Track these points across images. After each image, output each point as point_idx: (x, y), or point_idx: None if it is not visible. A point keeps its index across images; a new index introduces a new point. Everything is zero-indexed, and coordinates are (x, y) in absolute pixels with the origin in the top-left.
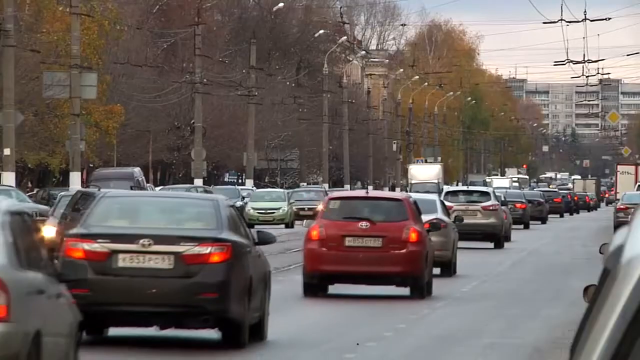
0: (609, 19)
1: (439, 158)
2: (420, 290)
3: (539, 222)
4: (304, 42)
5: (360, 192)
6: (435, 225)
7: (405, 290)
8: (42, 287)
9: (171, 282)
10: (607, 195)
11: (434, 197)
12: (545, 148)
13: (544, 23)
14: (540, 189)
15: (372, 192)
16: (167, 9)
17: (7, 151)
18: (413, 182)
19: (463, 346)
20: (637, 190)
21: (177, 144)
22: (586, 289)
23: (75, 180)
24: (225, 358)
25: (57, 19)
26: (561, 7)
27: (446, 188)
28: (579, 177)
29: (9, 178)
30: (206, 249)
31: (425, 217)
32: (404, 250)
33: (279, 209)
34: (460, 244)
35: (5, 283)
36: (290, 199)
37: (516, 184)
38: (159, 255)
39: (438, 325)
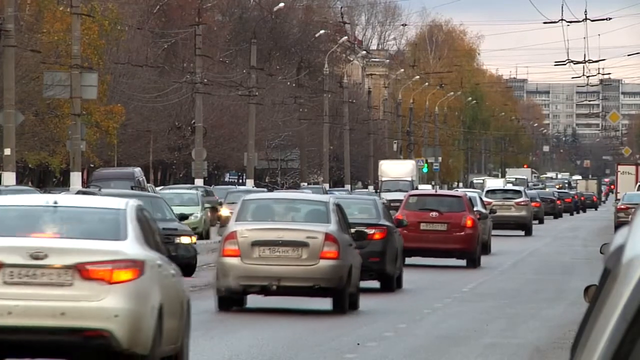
0: (610, 19)
1: (440, 158)
2: (474, 262)
3: (552, 217)
4: (304, 42)
5: (431, 191)
6: (483, 215)
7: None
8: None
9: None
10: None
11: (475, 194)
12: (546, 148)
13: (544, 23)
14: (554, 189)
15: (440, 191)
16: (167, 9)
17: (7, 151)
18: (384, 179)
19: (463, 346)
20: (637, 190)
21: (178, 144)
22: (587, 289)
23: (75, 181)
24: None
25: (57, 19)
26: (562, 7)
27: (487, 187)
28: (580, 177)
29: (10, 178)
30: (371, 231)
31: None
32: (462, 233)
33: (190, 215)
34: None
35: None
36: (210, 202)
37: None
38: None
39: (438, 325)
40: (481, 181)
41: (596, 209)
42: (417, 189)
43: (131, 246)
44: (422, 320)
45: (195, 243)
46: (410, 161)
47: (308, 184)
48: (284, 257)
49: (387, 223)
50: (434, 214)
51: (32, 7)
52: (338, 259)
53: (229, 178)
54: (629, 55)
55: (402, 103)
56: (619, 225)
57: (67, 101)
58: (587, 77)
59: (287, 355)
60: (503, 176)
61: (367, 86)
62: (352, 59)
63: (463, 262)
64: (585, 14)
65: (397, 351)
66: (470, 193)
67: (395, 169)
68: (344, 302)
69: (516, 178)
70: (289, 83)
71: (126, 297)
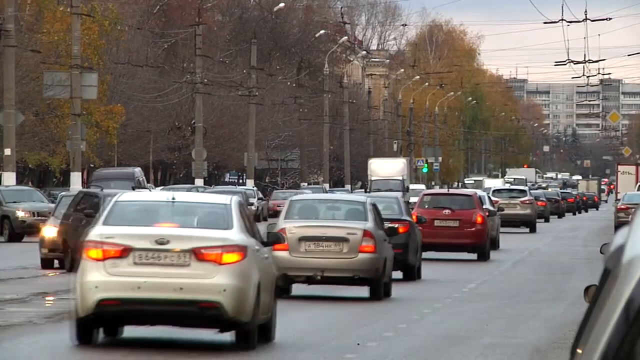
0: (610, 19)
1: (440, 158)
2: (484, 256)
3: (556, 216)
4: (304, 42)
5: (444, 190)
6: (492, 212)
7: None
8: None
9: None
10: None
11: (483, 193)
12: (546, 148)
13: (544, 23)
14: (557, 189)
15: (452, 190)
16: (167, 9)
17: (7, 151)
18: (373, 178)
19: (463, 346)
20: (637, 190)
21: (178, 144)
22: (587, 289)
23: (75, 181)
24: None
25: (57, 19)
26: (562, 7)
27: (493, 187)
28: (580, 177)
29: (10, 178)
30: (395, 225)
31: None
32: (473, 229)
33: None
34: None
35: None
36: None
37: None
38: None
39: (439, 325)
40: (472, 182)
41: (597, 209)
42: (408, 188)
43: (236, 234)
44: (422, 320)
45: None
46: (401, 159)
47: (308, 184)
48: (327, 251)
49: (409, 218)
50: (446, 211)
51: (32, 7)
52: (375, 253)
53: (229, 178)
54: (629, 55)
55: (402, 103)
56: (619, 225)
57: (67, 101)
58: (587, 77)
59: (287, 356)
60: (503, 176)
61: (367, 86)
62: (352, 59)
63: (474, 256)
64: (586, 14)
65: (397, 351)
66: (480, 192)
67: (385, 168)
68: (380, 290)
69: (514, 178)
70: (289, 83)
71: (233, 275)
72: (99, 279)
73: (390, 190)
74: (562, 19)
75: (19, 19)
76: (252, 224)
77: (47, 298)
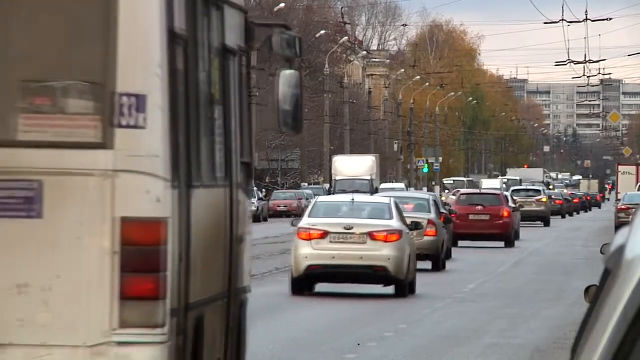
0: (610, 19)
1: (440, 158)
2: (510, 243)
3: (559, 217)
4: (304, 42)
5: (476, 190)
6: (515, 209)
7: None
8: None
9: None
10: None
11: (506, 193)
12: (546, 148)
13: (545, 23)
14: (565, 190)
15: (483, 190)
16: None
17: None
18: (337, 178)
19: (464, 346)
20: (638, 190)
21: None
22: (587, 289)
23: None
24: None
25: None
26: (562, 7)
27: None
28: (580, 177)
29: None
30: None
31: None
32: (500, 221)
33: None
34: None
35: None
36: None
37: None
38: None
39: (439, 325)
40: (452, 182)
41: (599, 207)
42: (377, 189)
43: (395, 222)
44: (422, 320)
45: None
46: (369, 157)
47: (308, 184)
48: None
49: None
50: (479, 207)
51: None
52: (436, 236)
53: None
54: (629, 55)
55: (403, 103)
56: (619, 225)
57: None
58: (588, 77)
59: (287, 356)
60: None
61: (367, 86)
62: (352, 59)
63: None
64: (586, 14)
65: (397, 351)
66: (504, 192)
67: (351, 166)
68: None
69: (508, 179)
70: None
71: (394, 249)
72: (308, 252)
73: (357, 191)
74: (563, 19)
75: None
76: (402, 214)
77: None
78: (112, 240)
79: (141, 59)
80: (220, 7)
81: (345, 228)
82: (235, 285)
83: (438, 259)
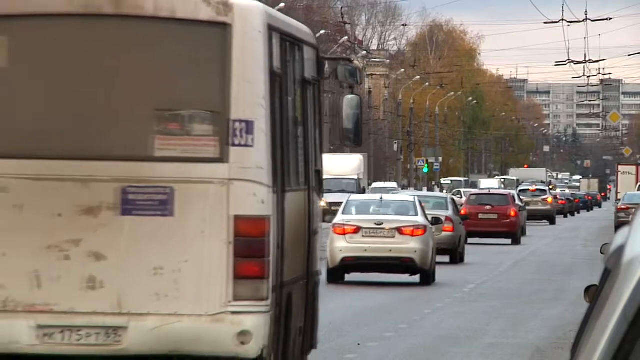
0: (610, 19)
1: (440, 158)
2: (517, 240)
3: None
4: None
5: (485, 190)
6: (522, 208)
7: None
8: (432, 227)
9: None
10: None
11: (513, 193)
12: (547, 148)
13: (545, 23)
14: (569, 191)
15: (492, 190)
16: None
17: None
18: (324, 177)
19: (464, 346)
20: (638, 190)
21: None
22: (587, 289)
23: None
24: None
25: None
26: (562, 7)
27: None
28: (580, 177)
29: None
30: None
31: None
32: (508, 220)
33: None
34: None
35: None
36: None
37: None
38: None
39: (439, 325)
40: (449, 182)
41: (600, 207)
42: (364, 189)
43: (420, 218)
44: (422, 320)
45: None
46: (357, 155)
47: None
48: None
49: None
50: (487, 207)
51: None
52: (453, 232)
53: None
54: (629, 55)
55: (403, 103)
56: (619, 225)
57: None
58: (588, 77)
59: None
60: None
61: (367, 86)
62: (352, 59)
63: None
64: (586, 14)
65: (397, 351)
66: (512, 192)
67: (338, 165)
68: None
69: (504, 179)
70: None
71: (420, 242)
72: (342, 245)
73: (343, 191)
74: (563, 19)
75: None
76: (425, 211)
77: None
78: (228, 233)
79: (250, 93)
80: (301, 47)
81: (376, 224)
82: (311, 269)
83: (455, 253)
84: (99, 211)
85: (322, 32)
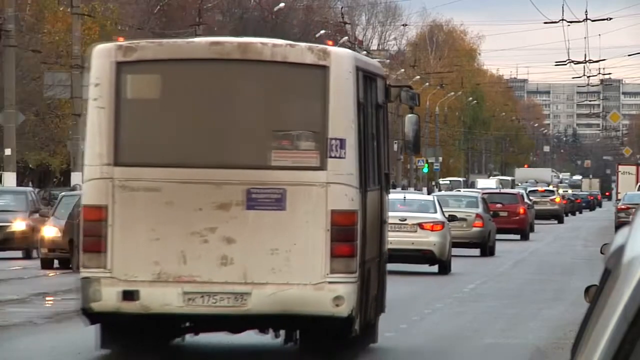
0: (610, 19)
1: (440, 158)
2: (526, 236)
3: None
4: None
5: (496, 190)
6: (530, 206)
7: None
8: (449, 223)
9: None
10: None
11: (522, 192)
12: (547, 148)
13: (545, 23)
14: (572, 191)
15: (502, 190)
16: (168, 10)
17: (8, 151)
18: None
19: (464, 346)
20: (638, 190)
21: None
22: (587, 289)
23: (76, 181)
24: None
25: (58, 19)
26: (562, 7)
27: (530, 188)
28: (581, 177)
29: (10, 178)
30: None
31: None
32: (517, 217)
33: None
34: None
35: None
36: None
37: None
38: None
39: (439, 325)
40: (448, 182)
41: (601, 206)
42: None
43: (439, 215)
44: (422, 320)
45: None
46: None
47: None
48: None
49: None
50: (498, 205)
51: (33, 7)
52: (483, 227)
53: None
54: (629, 55)
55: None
56: (619, 225)
57: (68, 101)
58: (588, 77)
59: (288, 355)
60: (504, 175)
61: None
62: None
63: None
64: (586, 14)
65: (397, 351)
66: (521, 191)
67: None
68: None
69: (501, 179)
70: None
71: (438, 236)
72: None
73: None
74: (563, 19)
75: (20, 19)
76: (442, 209)
77: (47, 298)
78: (327, 223)
79: (343, 118)
80: (375, 79)
81: (400, 220)
82: (383, 250)
83: (485, 246)
84: (230, 206)
85: (322, 32)
